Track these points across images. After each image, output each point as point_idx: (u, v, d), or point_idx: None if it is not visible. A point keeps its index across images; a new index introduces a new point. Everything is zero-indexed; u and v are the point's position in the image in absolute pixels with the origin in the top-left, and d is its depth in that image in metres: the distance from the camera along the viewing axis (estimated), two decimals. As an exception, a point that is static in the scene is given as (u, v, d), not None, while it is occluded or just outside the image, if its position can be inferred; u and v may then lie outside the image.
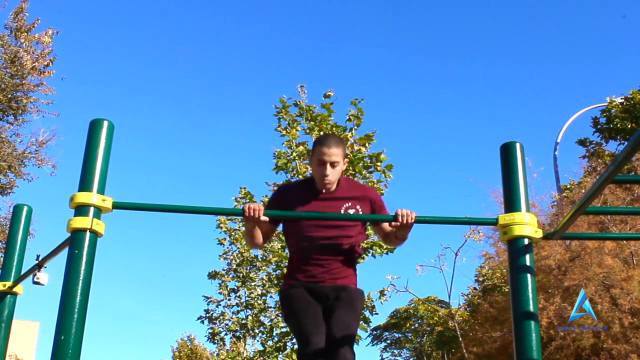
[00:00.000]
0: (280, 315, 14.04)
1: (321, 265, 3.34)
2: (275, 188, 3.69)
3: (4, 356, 3.93)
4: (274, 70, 58.08)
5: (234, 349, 17.30)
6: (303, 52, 61.20)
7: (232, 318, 15.33)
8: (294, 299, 3.31)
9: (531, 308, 2.96)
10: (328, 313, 3.27)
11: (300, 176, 11.14)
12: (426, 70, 60.76)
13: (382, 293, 13.09)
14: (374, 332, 32.71)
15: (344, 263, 3.39)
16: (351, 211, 3.36)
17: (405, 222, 3.17)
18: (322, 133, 11.23)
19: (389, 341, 33.53)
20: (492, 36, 60.39)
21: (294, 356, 12.63)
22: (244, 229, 3.50)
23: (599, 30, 56.34)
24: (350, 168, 11.00)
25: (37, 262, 3.90)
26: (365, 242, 10.79)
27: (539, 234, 3.12)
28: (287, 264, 3.55)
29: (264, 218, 3.20)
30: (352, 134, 11.36)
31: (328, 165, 3.30)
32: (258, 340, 15.19)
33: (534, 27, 58.14)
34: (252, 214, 3.16)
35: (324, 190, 3.38)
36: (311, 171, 3.46)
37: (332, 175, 3.32)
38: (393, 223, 3.24)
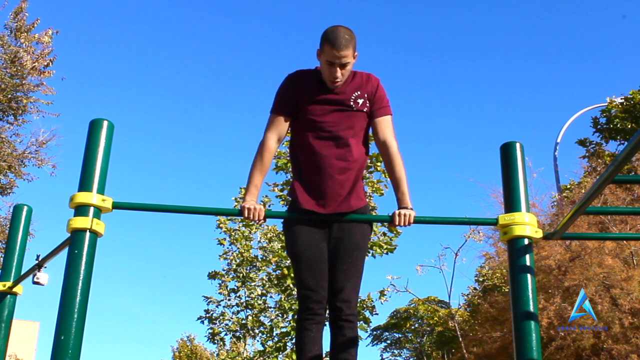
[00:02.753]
0: (280, 315, 14.06)
1: (329, 165, 3.20)
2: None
3: (4, 356, 3.93)
4: (274, 70, 58.13)
5: (234, 349, 17.30)
6: (303, 52, 61.19)
7: (232, 318, 15.34)
8: (297, 238, 3.19)
9: (531, 308, 2.95)
10: (334, 250, 3.19)
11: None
12: (426, 70, 60.81)
13: (382, 293, 13.10)
14: (374, 332, 32.74)
15: (356, 159, 3.25)
16: (360, 100, 3.26)
17: (403, 223, 3.15)
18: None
19: (389, 341, 33.56)
20: (492, 36, 60.42)
21: (294, 356, 12.63)
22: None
23: (599, 30, 56.38)
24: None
25: (37, 262, 3.90)
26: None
27: (539, 234, 3.12)
28: (292, 166, 3.43)
29: (262, 221, 3.20)
30: (352, 134, 11.36)
31: (338, 68, 3.17)
32: (258, 341, 15.22)
33: (534, 27, 58.17)
34: (252, 217, 3.14)
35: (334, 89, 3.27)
36: (320, 63, 3.28)
37: (343, 75, 3.21)
38: (390, 225, 3.23)
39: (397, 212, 3.17)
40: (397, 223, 3.15)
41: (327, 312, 3.20)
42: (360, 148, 3.29)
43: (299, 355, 3.12)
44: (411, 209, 3.20)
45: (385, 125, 3.32)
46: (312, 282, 3.11)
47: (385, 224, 3.49)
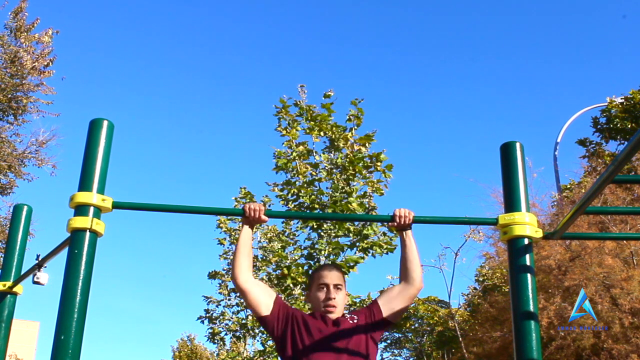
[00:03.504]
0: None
1: None
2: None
3: (4, 356, 3.92)
4: (274, 70, 58.16)
5: (234, 348, 17.31)
6: (303, 52, 61.24)
7: (232, 318, 15.34)
8: None
9: (531, 308, 2.95)
10: None
11: (301, 176, 11.14)
12: (426, 70, 60.79)
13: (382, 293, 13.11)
14: (374, 332, 32.70)
15: None
16: (354, 320, 3.01)
17: (402, 222, 3.14)
18: (322, 133, 11.19)
19: (389, 341, 33.53)
20: (492, 36, 60.40)
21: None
22: (238, 238, 3.20)
23: (599, 30, 56.37)
24: (351, 168, 10.99)
25: (37, 262, 3.90)
26: (365, 241, 10.78)
27: (539, 233, 3.11)
28: None
29: (264, 217, 3.19)
30: (352, 134, 11.35)
31: (332, 287, 3.05)
32: (258, 340, 15.22)
33: (534, 27, 58.17)
34: (252, 213, 3.14)
35: (328, 317, 3.02)
36: (310, 302, 3.11)
37: (337, 298, 3.03)
38: (390, 224, 3.22)
39: (397, 210, 3.17)
40: (397, 221, 3.15)
41: None
42: None
43: None
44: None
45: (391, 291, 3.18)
46: None
47: (385, 223, 3.48)
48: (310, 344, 2.92)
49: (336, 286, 3.07)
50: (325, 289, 3.06)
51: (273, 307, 3.04)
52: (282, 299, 3.20)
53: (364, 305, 3.21)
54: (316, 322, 3.00)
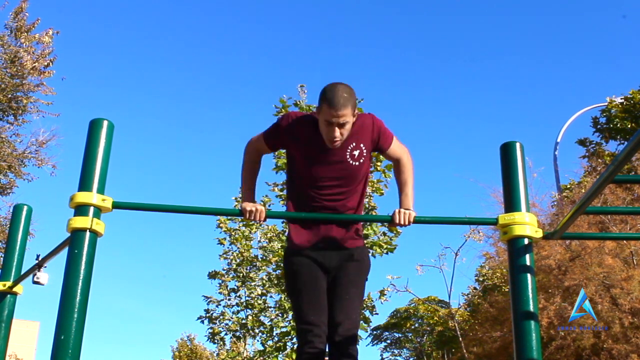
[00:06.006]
0: (280, 315, 14.06)
1: (328, 209, 3.23)
2: (282, 116, 3.50)
3: (4, 356, 3.93)
4: (274, 70, 58.16)
5: (234, 348, 17.28)
6: (303, 52, 61.24)
7: (232, 318, 15.32)
8: (297, 276, 3.20)
9: (531, 308, 2.96)
10: (332, 288, 3.20)
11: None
12: (426, 70, 60.81)
13: (382, 293, 13.10)
14: (374, 332, 32.73)
15: (351, 208, 3.29)
16: (356, 152, 3.20)
17: (403, 221, 3.16)
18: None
19: (389, 341, 33.56)
20: (492, 36, 60.41)
21: (294, 356, 12.63)
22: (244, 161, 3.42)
23: (599, 30, 56.36)
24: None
25: (37, 262, 3.90)
26: (365, 241, 10.78)
27: (539, 233, 3.12)
28: (288, 194, 3.43)
29: (263, 220, 3.22)
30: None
31: (336, 128, 3.08)
32: (258, 340, 15.20)
33: (534, 27, 58.18)
34: (253, 218, 3.17)
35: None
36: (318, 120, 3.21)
37: (342, 135, 3.11)
38: (390, 224, 3.23)
39: (397, 210, 3.19)
40: (397, 221, 3.16)
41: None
42: (356, 196, 3.31)
43: None
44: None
45: (395, 149, 3.33)
46: (313, 318, 3.09)
47: (385, 223, 3.51)
48: (308, 165, 3.22)
49: (341, 125, 3.08)
50: (330, 127, 3.09)
51: (270, 146, 3.34)
52: (279, 131, 3.29)
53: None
54: (319, 142, 3.18)
